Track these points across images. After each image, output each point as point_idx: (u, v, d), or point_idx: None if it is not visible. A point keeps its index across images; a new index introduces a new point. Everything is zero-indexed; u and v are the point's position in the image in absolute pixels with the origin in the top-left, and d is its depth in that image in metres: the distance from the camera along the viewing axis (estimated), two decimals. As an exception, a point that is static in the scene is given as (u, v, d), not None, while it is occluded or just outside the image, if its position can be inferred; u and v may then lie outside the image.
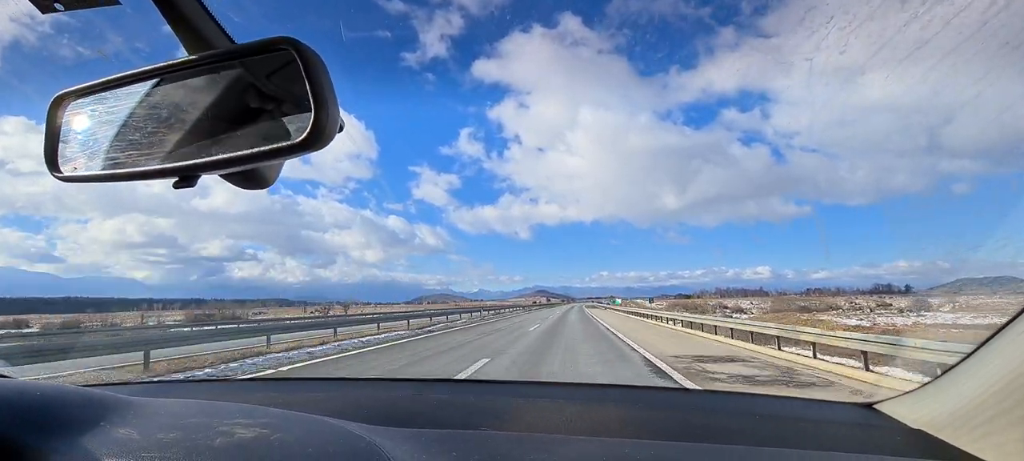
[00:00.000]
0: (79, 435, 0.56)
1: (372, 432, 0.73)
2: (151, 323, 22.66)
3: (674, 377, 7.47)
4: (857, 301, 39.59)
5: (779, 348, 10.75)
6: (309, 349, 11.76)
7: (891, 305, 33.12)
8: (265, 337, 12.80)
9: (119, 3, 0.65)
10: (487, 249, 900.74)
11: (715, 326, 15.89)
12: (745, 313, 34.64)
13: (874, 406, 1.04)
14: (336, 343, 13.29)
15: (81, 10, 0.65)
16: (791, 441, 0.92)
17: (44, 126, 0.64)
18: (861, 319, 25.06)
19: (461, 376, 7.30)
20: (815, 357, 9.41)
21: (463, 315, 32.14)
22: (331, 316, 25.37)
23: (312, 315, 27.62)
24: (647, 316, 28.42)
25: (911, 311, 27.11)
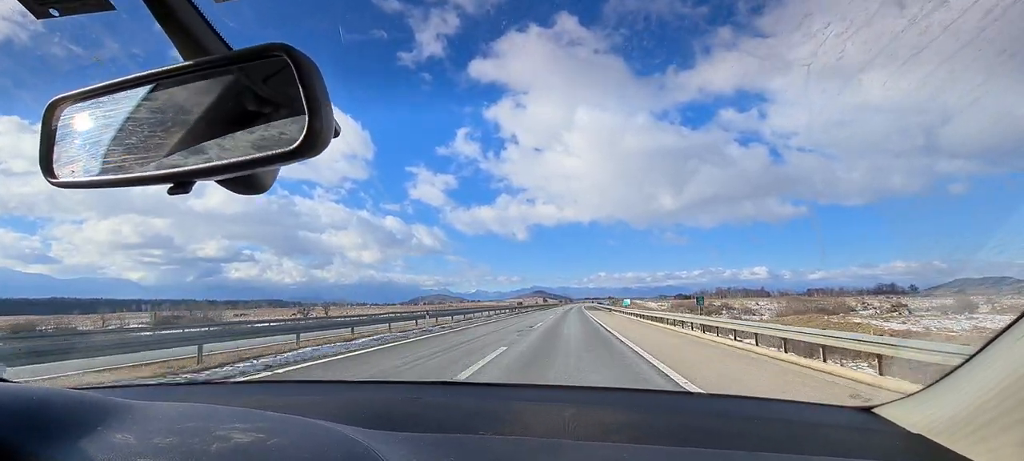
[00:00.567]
0: (77, 439, 0.56)
1: (369, 436, 0.73)
2: (111, 327, 19.26)
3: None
4: (868, 301, 38.54)
5: (824, 359, 8.74)
6: (230, 365, 9.25)
7: (905, 305, 31.97)
8: (196, 347, 10.08)
9: (114, 8, 0.65)
10: (485, 250, 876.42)
11: (754, 334, 12.25)
12: (755, 314, 33.41)
13: (873, 410, 1.03)
14: (279, 355, 10.66)
15: (76, 15, 0.65)
16: (791, 446, 0.92)
17: (39, 130, 0.64)
18: (903, 321, 22.89)
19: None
20: (881, 373, 7.44)
21: (458, 316, 31.32)
22: (311, 318, 24.86)
23: (291, 318, 25.54)
24: (657, 319, 24.02)
25: (954, 311, 24.28)
